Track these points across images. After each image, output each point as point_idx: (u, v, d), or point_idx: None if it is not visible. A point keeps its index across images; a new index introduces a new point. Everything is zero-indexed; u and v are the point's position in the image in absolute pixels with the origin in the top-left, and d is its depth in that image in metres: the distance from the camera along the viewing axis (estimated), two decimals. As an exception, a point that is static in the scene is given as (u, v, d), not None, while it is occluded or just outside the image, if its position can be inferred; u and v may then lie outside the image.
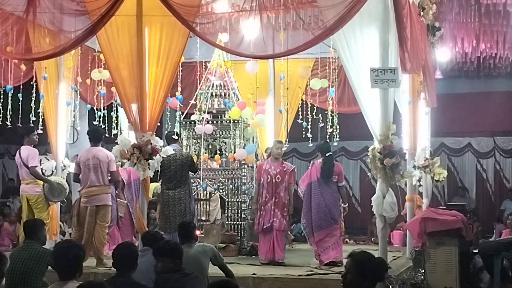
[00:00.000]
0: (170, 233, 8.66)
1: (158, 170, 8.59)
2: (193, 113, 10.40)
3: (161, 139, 8.18)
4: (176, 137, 9.42)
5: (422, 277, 8.21)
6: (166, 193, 8.88)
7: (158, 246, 5.50)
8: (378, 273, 4.12)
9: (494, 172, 15.21)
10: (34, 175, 8.86)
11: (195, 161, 9.43)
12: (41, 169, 9.11)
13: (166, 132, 9.79)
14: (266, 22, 8.14)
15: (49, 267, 5.83)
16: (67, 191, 9.32)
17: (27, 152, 8.87)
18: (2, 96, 9.07)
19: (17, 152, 9.05)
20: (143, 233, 7.33)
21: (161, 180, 9.17)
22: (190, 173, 9.16)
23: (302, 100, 11.28)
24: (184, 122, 10.25)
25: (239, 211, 9.96)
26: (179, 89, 9.08)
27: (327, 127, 10.56)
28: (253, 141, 10.41)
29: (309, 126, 10.77)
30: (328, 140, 10.01)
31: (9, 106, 9.11)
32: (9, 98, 9.09)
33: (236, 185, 9.98)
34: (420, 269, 8.39)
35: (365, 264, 4.05)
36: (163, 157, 8.00)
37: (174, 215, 8.69)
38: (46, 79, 9.39)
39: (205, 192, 10.04)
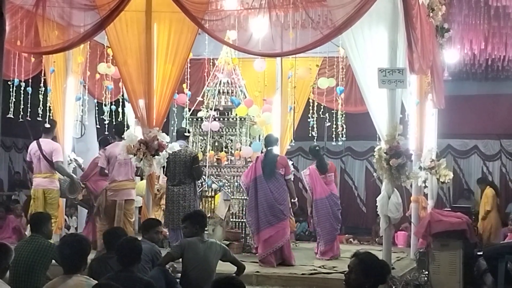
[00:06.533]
0: (173, 229, 8.64)
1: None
2: (200, 110, 10.41)
3: (167, 135, 8.19)
4: (188, 134, 9.38)
5: (426, 278, 8.21)
6: (171, 189, 8.82)
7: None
8: (381, 275, 4.14)
9: (500, 175, 15.17)
10: (60, 170, 8.86)
11: (200, 159, 9.24)
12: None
13: (176, 127, 9.73)
14: (274, 20, 8.10)
15: (52, 261, 5.87)
16: (82, 187, 9.33)
17: (50, 146, 8.84)
18: (10, 90, 9.09)
19: (35, 144, 8.90)
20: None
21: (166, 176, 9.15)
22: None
23: (309, 98, 11.28)
24: (191, 119, 10.25)
25: (244, 208, 9.95)
26: (184, 85, 9.05)
27: (333, 126, 10.56)
28: (259, 139, 10.40)
29: (315, 125, 10.78)
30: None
31: (21, 100, 9.14)
32: (21, 92, 9.12)
33: (241, 182, 9.97)
34: (424, 270, 8.39)
35: (369, 265, 4.07)
36: (169, 153, 8.01)
37: (178, 211, 8.57)
38: (54, 74, 9.42)
39: (210, 189, 10.03)
